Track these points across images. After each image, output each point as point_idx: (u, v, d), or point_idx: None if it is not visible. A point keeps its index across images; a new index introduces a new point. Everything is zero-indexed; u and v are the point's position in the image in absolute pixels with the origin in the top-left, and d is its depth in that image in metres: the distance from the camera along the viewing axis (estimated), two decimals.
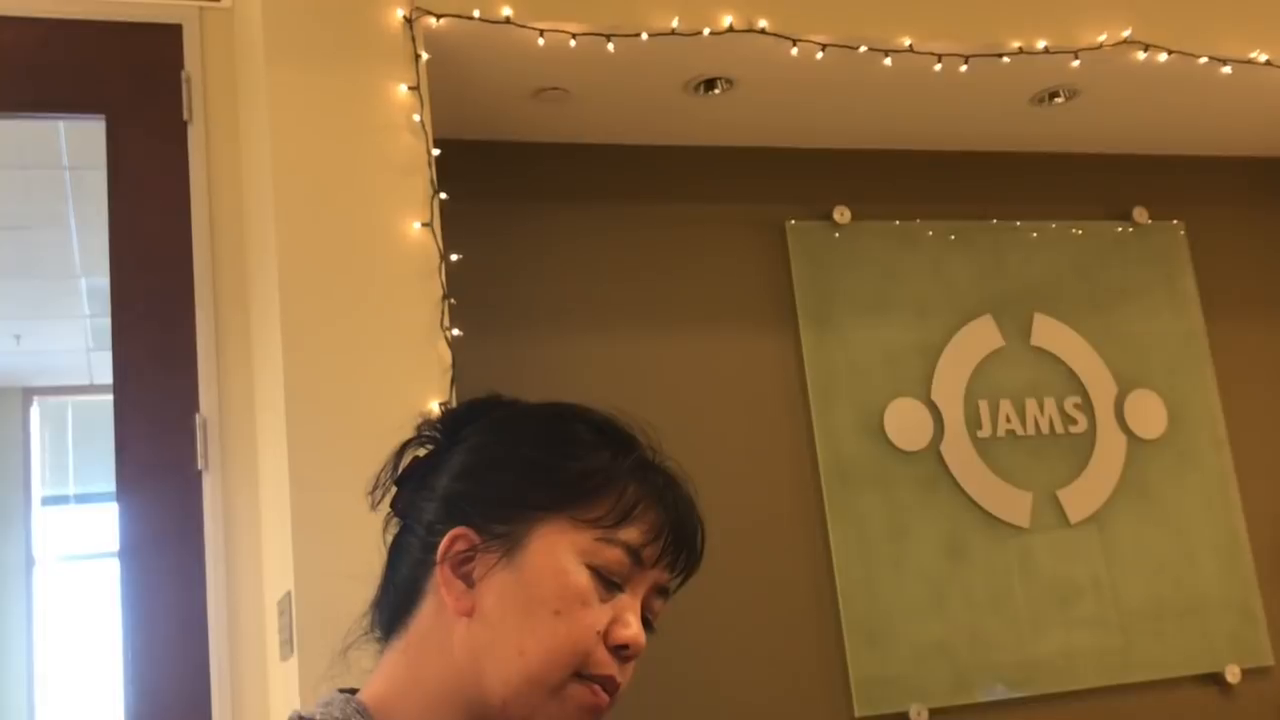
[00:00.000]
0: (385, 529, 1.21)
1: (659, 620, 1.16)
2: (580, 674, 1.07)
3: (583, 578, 1.08)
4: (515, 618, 1.07)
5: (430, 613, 1.11)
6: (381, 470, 1.20)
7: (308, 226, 2.34)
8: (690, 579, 1.18)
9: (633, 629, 1.09)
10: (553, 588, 1.07)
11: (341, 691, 1.12)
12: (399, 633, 1.13)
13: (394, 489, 1.20)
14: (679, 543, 1.14)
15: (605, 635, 1.08)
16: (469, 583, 1.09)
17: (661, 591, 1.15)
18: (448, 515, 1.12)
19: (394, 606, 1.15)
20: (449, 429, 1.19)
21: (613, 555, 1.09)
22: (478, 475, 1.14)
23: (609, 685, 1.08)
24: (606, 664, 1.08)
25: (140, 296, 2.63)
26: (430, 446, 1.20)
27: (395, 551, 1.18)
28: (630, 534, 1.10)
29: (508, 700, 1.06)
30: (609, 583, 1.09)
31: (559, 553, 1.08)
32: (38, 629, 6.16)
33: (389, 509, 1.21)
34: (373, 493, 1.20)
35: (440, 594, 1.10)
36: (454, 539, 1.10)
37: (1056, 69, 2.97)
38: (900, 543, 3.06)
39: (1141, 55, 2.96)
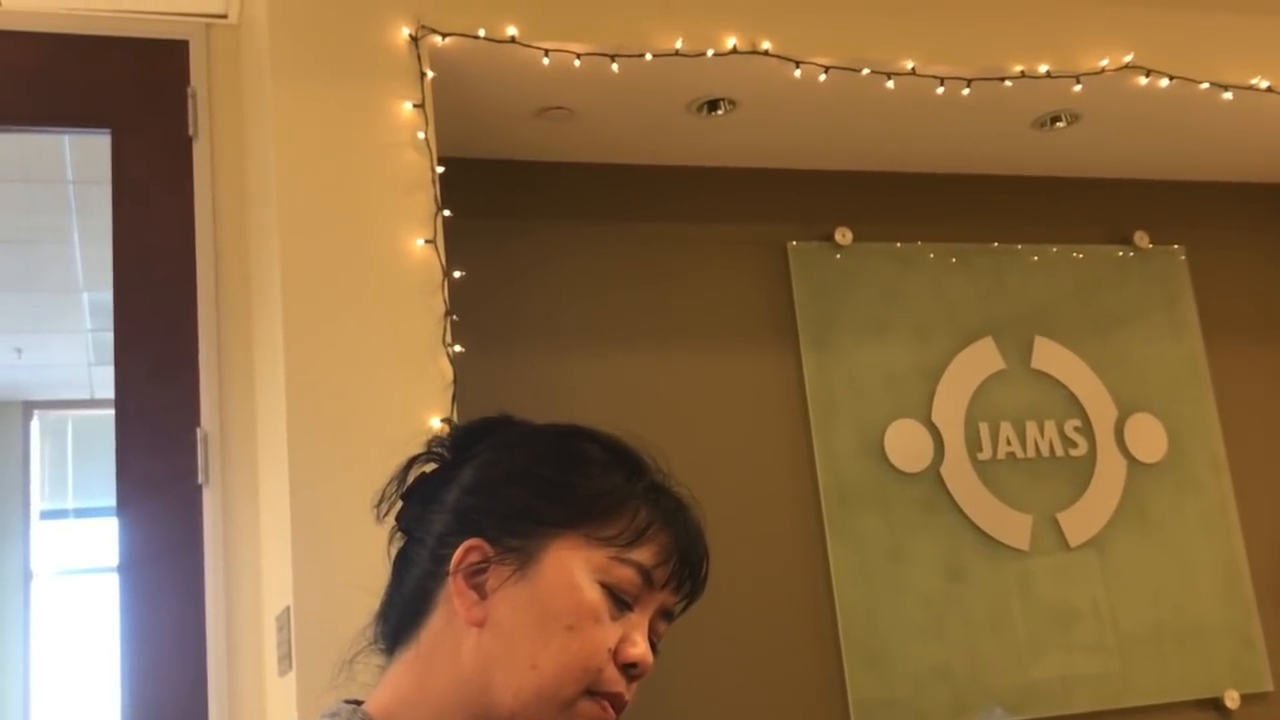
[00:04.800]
0: (390, 543, 1.21)
1: (662, 643, 1.16)
2: (590, 691, 1.07)
3: (595, 595, 1.09)
4: (528, 631, 1.07)
5: (440, 623, 1.11)
6: (388, 483, 1.20)
7: (311, 242, 2.35)
8: (693, 605, 1.19)
9: (641, 648, 1.10)
10: (567, 603, 1.08)
11: (347, 702, 1.12)
12: (406, 644, 1.13)
13: (400, 503, 1.20)
14: (687, 566, 1.15)
15: (615, 653, 1.09)
16: (482, 594, 1.10)
17: (667, 614, 1.16)
18: (460, 527, 1.13)
19: (401, 618, 1.15)
20: (459, 445, 1.20)
21: (625, 574, 1.10)
22: (491, 489, 1.14)
23: (617, 703, 1.09)
24: (616, 681, 1.08)
25: (143, 311, 2.64)
26: (437, 463, 1.20)
27: (401, 564, 1.19)
28: (642, 555, 1.11)
29: (516, 712, 1.06)
30: (620, 601, 1.10)
31: (573, 569, 1.09)
32: (35, 643, 6.15)
33: (394, 523, 1.21)
34: (378, 506, 1.20)
35: (451, 605, 1.11)
36: (468, 550, 1.11)
37: (1058, 93, 2.98)
38: (900, 564, 3.05)
39: (1143, 80, 2.97)
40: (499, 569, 1.10)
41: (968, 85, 2.90)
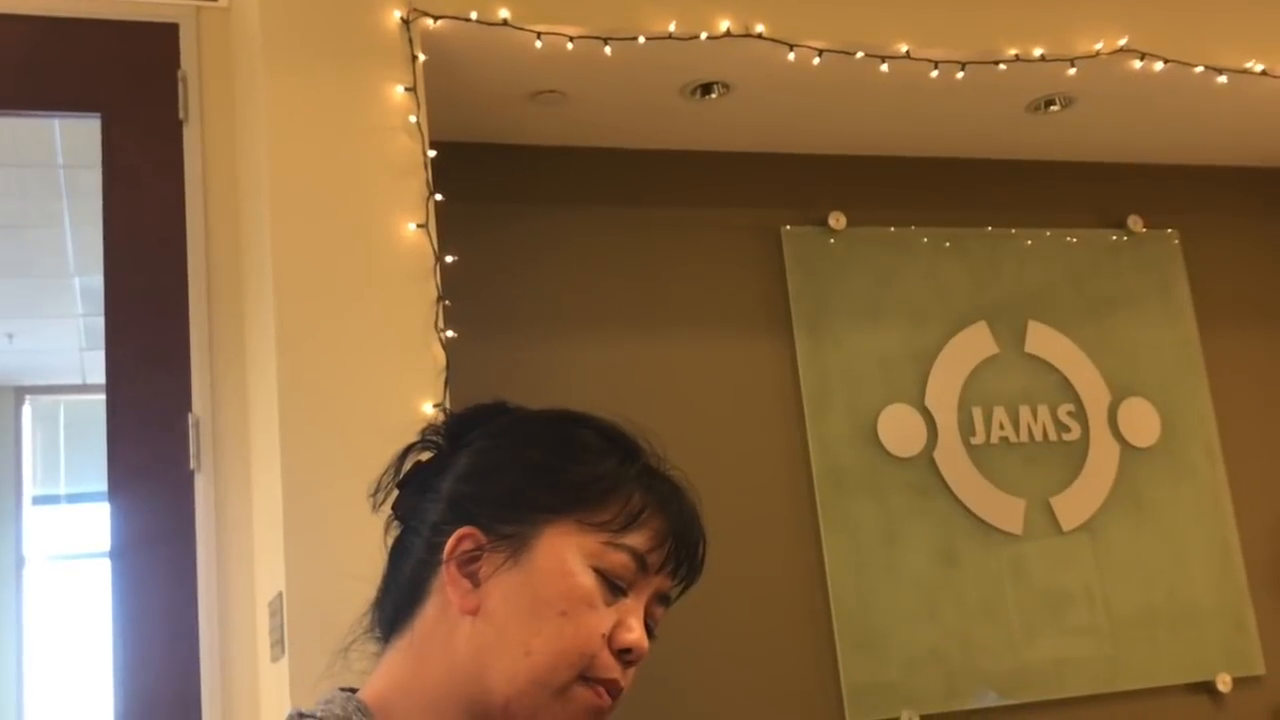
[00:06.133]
0: (386, 532, 1.21)
1: (659, 627, 1.16)
2: (584, 676, 1.07)
3: (589, 580, 1.08)
4: (521, 617, 1.07)
5: (434, 612, 1.11)
6: (384, 473, 1.20)
7: (303, 227, 2.34)
8: (691, 588, 1.19)
9: (636, 633, 1.10)
10: (560, 589, 1.07)
11: (342, 690, 1.12)
12: (401, 632, 1.13)
13: (396, 492, 1.20)
14: (682, 550, 1.15)
15: (609, 639, 1.08)
16: (475, 582, 1.10)
17: (663, 599, 1.16)
18: (453, 516, 1.13)
19: (396, 606, 1.15)
20: (453, 433, 1.20)
21: (618, 559, 1.10)
22: (485, 477, 1.14)
23: (612, 689, 1.09)
24: (610, 667, 1.08)
25: (134, 296, 2.63)
26: (433, 451, 1.20)
27: (397, 553, 1.19)
28: (636, 539, 1.11)
29: (510, 699, 1.06)
30: (614, 587, 1.10)
31: (566, 555, 1.09)
32: (28, 628, 6.15)
33: (390, 512, 1.21)
34: (374, 495, 1.20)
35: (444, 593, 1.10)
36: (461, 538, 1.11)
37: (1053, 77, 2.97)
38: (893, 549, 3.05)
39: (1138, 64, 2.97)
40: (492, 557, 1.10)
41: (962, 69, 2.89)
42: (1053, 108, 3.14)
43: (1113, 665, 3.13)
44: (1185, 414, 3.38)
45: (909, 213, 3.31)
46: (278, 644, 2.20)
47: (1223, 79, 3.03)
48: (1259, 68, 3.05)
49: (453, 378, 2.32)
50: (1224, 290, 3.54)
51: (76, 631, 6.16)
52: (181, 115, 2.71)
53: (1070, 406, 3.28)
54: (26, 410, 6.14)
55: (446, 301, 2.37)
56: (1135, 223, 3.48)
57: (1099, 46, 2.93)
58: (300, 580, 2.14)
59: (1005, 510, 3.16)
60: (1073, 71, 2.94)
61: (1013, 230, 3.38)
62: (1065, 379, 3.31)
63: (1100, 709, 3.09)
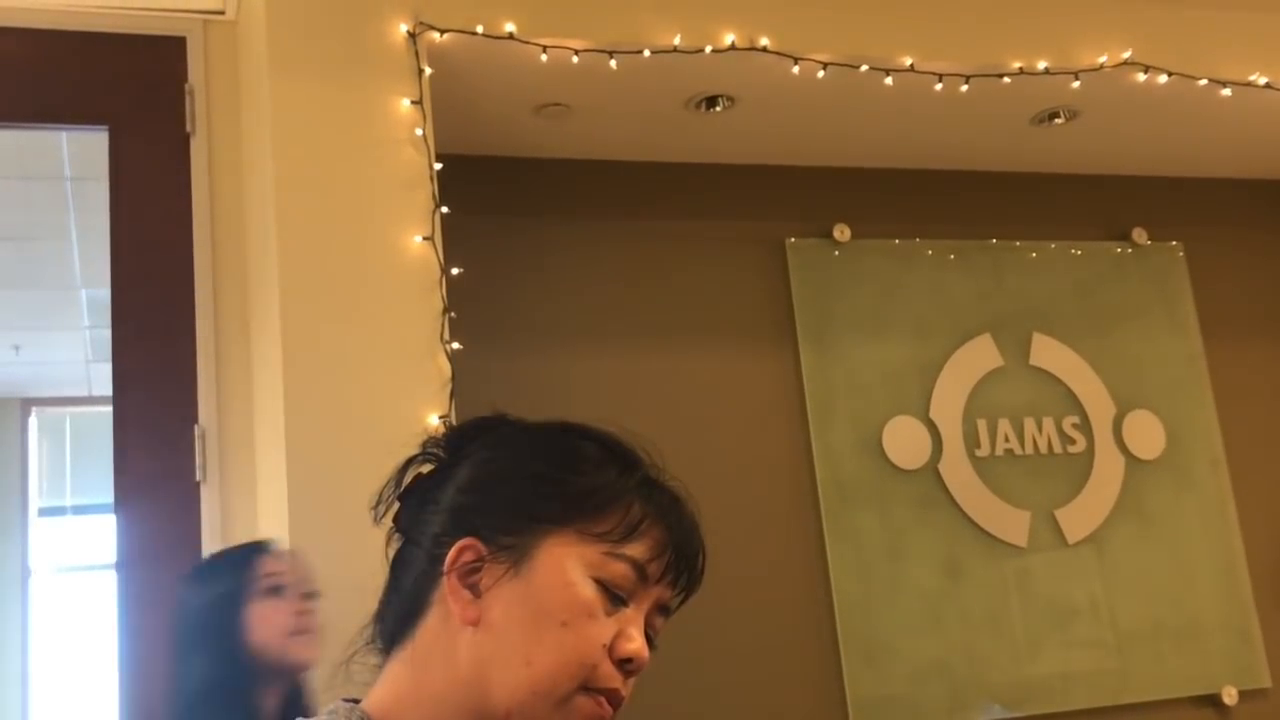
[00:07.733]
0: (388, 544, 1.21)
1: (659, 638, 1.16)
2: (586, 687, 1.07)
3: (589, 591, 1.09)
4: (522, 628, 1.07)
5: (435, 623, 1.12)
6: (384, 486, 1.20)
7: (309, 239, 2.34)
8: (691, 599, 1.19)
9: (637, 643, 1.10)
10: (561, 599, 1.08)
11: (345, 700, 1.12)
12: (403, 643, 1.14)
13: (397, 504, 1.20)
14: (682, 560, 1.15)
15: (610, 649, 1.09)
16: (476, 593, 1.10)
17: (663, 609, 1.16)
18: (454, 527, 1.13)
19: (398, 617, 1.15)
20: (454, 445, 1.20)
21: (619, 569, 1.10)
22: (485, 488, 1.14)
23: (613, 698, 1.09)
24: (612, 677, 1.09)
25: (141, 308, 2.64)
26: (433, 463, 1.20)
27: (398, 565, 1.19)
28: (636, 549, 1.11)
29: (512, 710, 1.06)
30: (614, 597, 1.10)
31: (567, 565, 1.09)
32: (34, 640, 6.15)
33: (392, 524, 1.21)
34: (375, 508, 1.20)
35: (446, 604, 1.11)
36: (462, 549, 1.11)
37: (1057, 90, 2.98)
38: (898, 561, 3.05)
39: (1141, 77, 2.97)
40: (493, 568, 1.10)
41: (966, 82, 2.89)
42: (1057, 120, 3.14)
43: (1118, 678, 3.13)
44: (1190, 426, 3.38)
45: (913, 225, 3.32)
46: None
47: (1226, 92, 3.04)
48: (1262, 80, 3.05)
49: (458, 389, 2.33)
50: (1228, 302, 3.54)
51: (82, 643, 6.16)
52: (188, 128, 2.72)
53: (1075, 419, 3.28)
54: (33, 422, 6.15)
55: (452, 313, 2.38)
56: (1140, 235, 3.49)
57: (1103, 60, 2.94)
58: None
59: (1010, 522, 3.15)
60: (1077, 84, 2.94)
61: (1017, 243, 3.39)
62: (1070, 391, 3.31)
63: None
